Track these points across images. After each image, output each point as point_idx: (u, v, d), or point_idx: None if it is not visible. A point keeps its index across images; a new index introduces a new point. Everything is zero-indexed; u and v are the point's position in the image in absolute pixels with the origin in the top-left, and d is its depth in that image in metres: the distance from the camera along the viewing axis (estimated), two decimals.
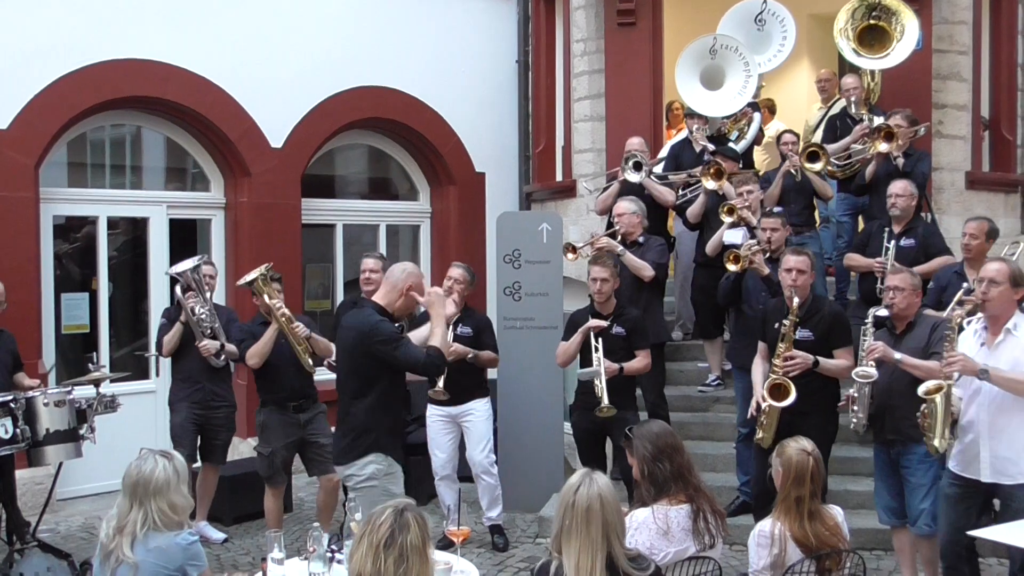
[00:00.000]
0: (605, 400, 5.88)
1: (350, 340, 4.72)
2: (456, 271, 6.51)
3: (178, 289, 6.55)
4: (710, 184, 7.24)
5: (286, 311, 6.09)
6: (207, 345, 6.45)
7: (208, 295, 6.56)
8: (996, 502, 4.81)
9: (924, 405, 4.58)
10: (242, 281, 6.25)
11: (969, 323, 4.91)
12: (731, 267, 6.37)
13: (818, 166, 7.40)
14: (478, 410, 6.57)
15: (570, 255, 7.12)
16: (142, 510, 3.59)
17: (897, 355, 5.04)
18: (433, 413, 6.62)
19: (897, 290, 5.19)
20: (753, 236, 6.50)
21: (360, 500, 4.55)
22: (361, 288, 6.69)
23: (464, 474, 6.79)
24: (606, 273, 6.08)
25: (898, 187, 6.65)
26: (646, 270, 6.75)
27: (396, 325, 4.78)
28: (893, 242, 6.53)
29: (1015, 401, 4.53)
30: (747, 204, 6.80)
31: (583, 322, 6.18)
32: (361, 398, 4.64)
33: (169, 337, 6.56)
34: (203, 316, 6.48)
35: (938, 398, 4.53)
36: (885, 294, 5.28)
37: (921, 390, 4.61)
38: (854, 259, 6.87)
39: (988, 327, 4.71)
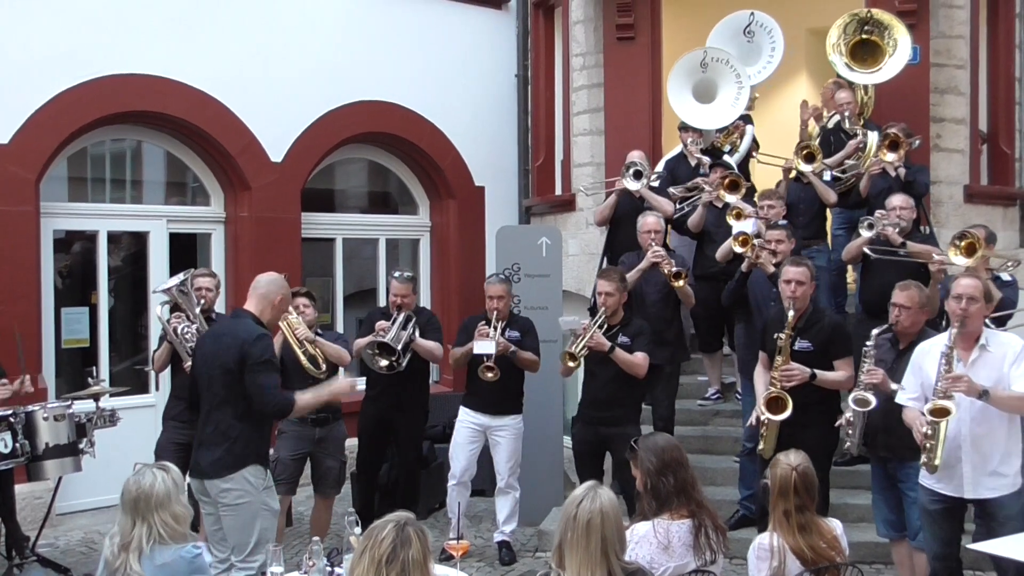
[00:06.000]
0: (576, 349, 6.04)
1: (224, 346, 4.68)
2: (495, 288, 6.52)
3: (160, 308, 6.34)
4: (729, 197, 7.23)
5: (294, 323, 6.10)
6: (190, 366, 6.04)
7: (197, 311, 6.20)
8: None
9: (927, 427, 4.53)
10: None
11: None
12: (737, 248, 6.49)
13: (812, 167, 7.43)
14: (511, 426, 6.60)
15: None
16: (145, 524, 3.59)
17: (893, 386, 5.01)
18: (465, 418, 6.62)
19: (903, 308, 5.15)
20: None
21: (234, 517, 4.56)
22: (391, 307, 6.66)
23: (475, 487, 6.83)
24: (611, 287, 6.13)
25: (900, 200, 6.66)
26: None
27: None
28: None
29: (997, 414, 4.53)
30: (766, 217, 6.84)
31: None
32: (235, 407, 4.63)
33: (158, 355, 6.46)
34: (187, 336, 6.12)
35: (943, 424, 4.48)
36: (891, 311, 5.22)
37: (928, 407, 4.56)
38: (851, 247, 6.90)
39: (956, 344, 4.62)
